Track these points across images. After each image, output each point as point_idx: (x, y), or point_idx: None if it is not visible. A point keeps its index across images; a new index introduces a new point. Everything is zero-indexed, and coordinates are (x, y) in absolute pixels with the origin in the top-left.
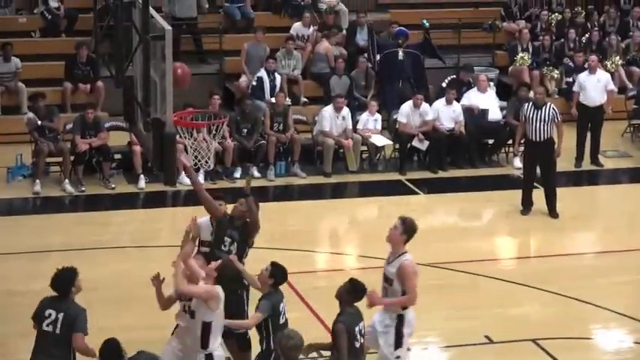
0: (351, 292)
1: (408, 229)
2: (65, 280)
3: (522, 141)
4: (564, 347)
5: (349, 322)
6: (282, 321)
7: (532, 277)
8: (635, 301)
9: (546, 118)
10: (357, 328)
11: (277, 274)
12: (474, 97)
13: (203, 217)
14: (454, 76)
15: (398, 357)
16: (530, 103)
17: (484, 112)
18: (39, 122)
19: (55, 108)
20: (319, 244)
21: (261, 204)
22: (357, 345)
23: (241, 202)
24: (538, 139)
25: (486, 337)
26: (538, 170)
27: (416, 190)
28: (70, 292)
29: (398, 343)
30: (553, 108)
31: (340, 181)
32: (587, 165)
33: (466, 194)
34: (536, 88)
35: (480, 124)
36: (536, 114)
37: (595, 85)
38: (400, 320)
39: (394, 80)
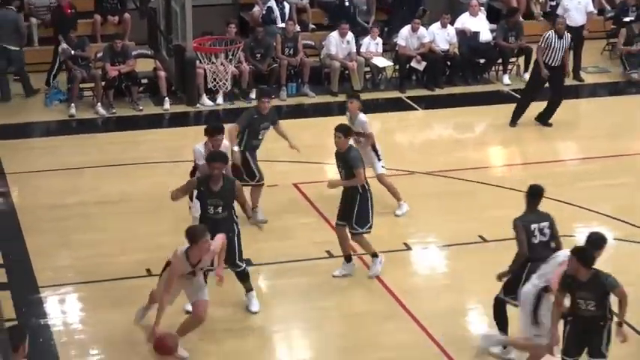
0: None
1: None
2: None
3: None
4: None
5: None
6: None
7: (521, 183)
8: (615, 202)
9: (565, 46)
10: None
11: (345, 130)
12: (466, 21)
13: (199, 144)
14: None
15: None
16: (553, 32)
17: (476, 35)
18: (72, 52)
19: (86, 38)
20: (328, 156)
21: None
22: (535, 241)
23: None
24: (556, 64)
25: (480, 236)
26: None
27: (415, 106)
28: None
29: None
30: (570, 37)
31: (346, 99)
32: (569, 80)
33: (460, 109)
34: (559, 19)
35: (472, 46)
36: (559, 42)
37: (577, 7)
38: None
39: (401, 6)
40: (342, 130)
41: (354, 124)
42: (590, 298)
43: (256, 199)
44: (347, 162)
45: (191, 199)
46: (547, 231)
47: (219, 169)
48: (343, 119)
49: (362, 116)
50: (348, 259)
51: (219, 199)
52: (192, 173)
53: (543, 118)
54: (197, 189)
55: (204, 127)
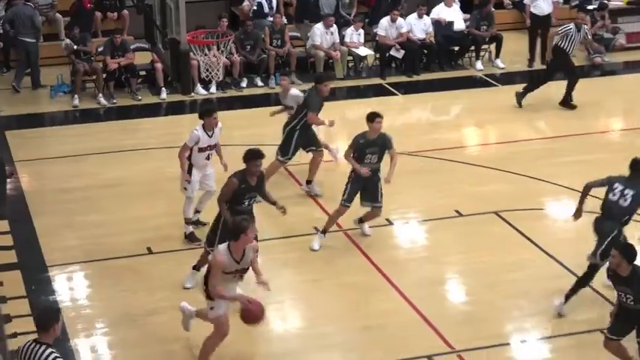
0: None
1: None
2: None
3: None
4: (521, 217)
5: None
6: None
7: (494, 161)
8: (582, 177)
9: (581, 38)
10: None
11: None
12: (441, 12)
13: (198, 127)
14: None
15: None
16: (574, 25)
17: (450, 24)
18: (74, 47)
19: (87, 34)
20: None
21: (264, 108)
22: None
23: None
24: (571, 53)
25: (456, 211)
26: None
27: (394, 91)
28: None
29: None
30: (586, 29)
31: (331, 86)
32: (537, 65)
33: (437, 93)
34: (579, 15)
35: (447, 34)
36: (578, 35)
37: None
38: None
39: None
40: (382, 116)
41: (286, 99)
42: (629, 293)
43: (268, 176)
44: (385, 145)
45: (189, 175)
46: (629, 198)
47: (259, 166)
48: (328, 105)
49: (294, 91)
50: (325, 232)
51: (256, 191)
52: (181, 153)
53: (519, 97)
54: (239, 187)
55: (200, 112)
